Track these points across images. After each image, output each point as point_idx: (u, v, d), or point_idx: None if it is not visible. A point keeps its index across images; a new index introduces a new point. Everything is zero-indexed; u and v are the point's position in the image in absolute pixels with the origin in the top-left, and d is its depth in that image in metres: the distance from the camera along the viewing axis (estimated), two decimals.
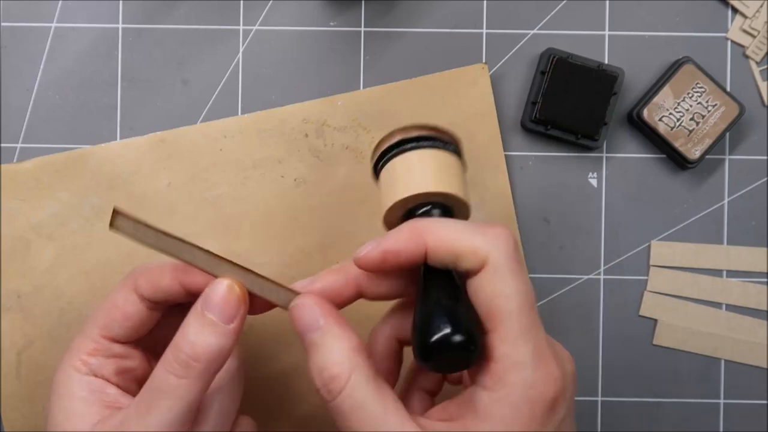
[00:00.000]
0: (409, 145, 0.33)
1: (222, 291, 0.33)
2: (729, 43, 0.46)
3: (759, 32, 0.46)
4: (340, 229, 0.44)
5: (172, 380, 0.31)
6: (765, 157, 0.46)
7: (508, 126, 0.45)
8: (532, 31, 0.46)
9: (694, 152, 0.44)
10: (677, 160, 0.45)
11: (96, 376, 0.34)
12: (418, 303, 0.31)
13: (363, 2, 0.46)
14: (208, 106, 0.45)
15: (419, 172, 0.33)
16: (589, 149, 0.45)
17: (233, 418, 0.36)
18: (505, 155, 0.45)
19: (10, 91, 0.45)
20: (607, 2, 0.46)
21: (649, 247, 0.46)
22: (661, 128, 0.44)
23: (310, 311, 0.32)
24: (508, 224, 0.45)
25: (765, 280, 0.46)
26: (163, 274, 0.35)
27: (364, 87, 0.45)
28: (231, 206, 0.44)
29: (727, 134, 0.45)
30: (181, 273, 0.34)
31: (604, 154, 0.46)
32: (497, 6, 0.46)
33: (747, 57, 0.46)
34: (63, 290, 0.44)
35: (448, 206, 0.33)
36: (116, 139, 0.45)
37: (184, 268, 0.34)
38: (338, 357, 0.30)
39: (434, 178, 0.32)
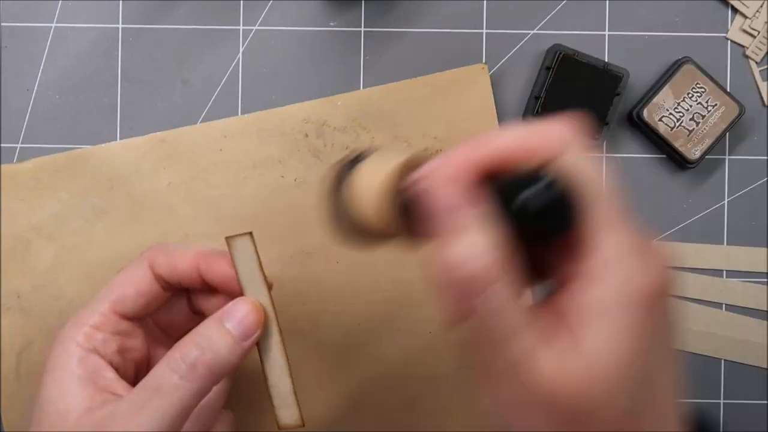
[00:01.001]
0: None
1: (247, 308, 0.33)
2: (729, 43, 0.46)
3: (759, 32, 0.46)
4: None
5: (173, 379, 0.31)
6: (765, 157, 0.46)
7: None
8: (532, 31, 0.46)
9: (694, 152, 0.44)
10: (677, 160, 0.45)
11: (98, 353, 0.34)
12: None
13: (363, 2, 0.46)
14: (208, 106, 0.45)
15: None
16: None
17: (217, 414, 0.36)
18: None
19: (10, 91, 0.45)
20: (607, 2, 0.46)
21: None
22: (661, 128, 0.44)
23: (450, 188, 0.26)
24: None
25: (765, 280, 0.46)
26: (184, 258, 0.35)
27: (364, 87, 0.45)
28: (231, 206, 0.44)
29: (727, 134, 0.45)
30: (203, 262, 0.34)
31: (604, 154, 0.46)
32: (497, 6, 0.46)
33: (747, 57, 0.46)
34: (63, 290, 0.44)
35: None
36: (116, 139, 0.45)
37: (207, 257, 0.34)
38: (484, 252, 0.25)
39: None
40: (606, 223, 0.27)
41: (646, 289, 0.26)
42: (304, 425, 0.34)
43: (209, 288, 0.35)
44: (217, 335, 0.32)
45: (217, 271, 0.34)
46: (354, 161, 0.31)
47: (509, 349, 0.26)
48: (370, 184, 0.30)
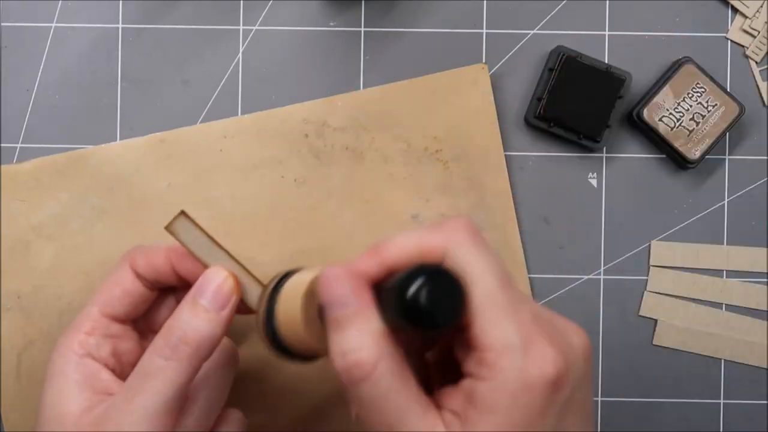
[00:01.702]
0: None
1: (216, 280, 0.34)
2: (729, 43, 0.46)
3: (759, 32, 0.46)
4: (340, 229, 0.44)
5: (159, 362, 0.32)
6: (765, 157, 0.46)
7: (508, 126, 0.45)
8: (532, 31, 0.46)
9: (694, 152, 0.44)
10: (677, 160, 0.45)
11: (93, 357, 0.35)
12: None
13: (363, 2, 0.46)
14: (208, 106, 0.45)
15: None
16: (590, 150, 0.45)
17: (218, 411, 0.36)
18: (505, 155, 0.45)
19: (10, 91, 0.45)
20: (607, 2, 0.46)
21: (649, 247, 0.46)
22: (661, 128, 0.44)
23: (340, 284, 0.29)
24: (508, 224, 0.45)
25: (765, 280, 0.46)
26: (158, 254, 0.36)
27: (364, 87, 0.45)
28: (231, 206, 0.44)
29: (727, 134, 0.45)
30: (174, 256, 0.36)
31: (604, 155, 0.46)
32: (497, 6, 0.46)
33: (747, 57, 0.46)
34: (63, 290, 0.44)
35: None
36: (116, 140, 0.45)
37: (177, 252, 0.36)
38: (367, 341, 0.28)
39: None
40: (493, 318, 0.28)
41: (536, 382, 0.27)
42: None
43: (186, 283, 0.36)
44: (193, 313, 0.33)
45: (188, 266, 0.35)
46: (281, 280, 0.34)
47: (401, 427, 0.28)
48: (290, 299, 0.32)
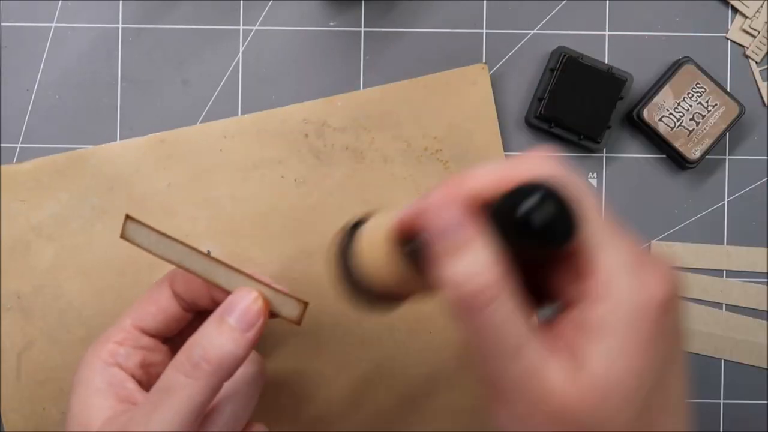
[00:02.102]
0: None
1: (247, 300, 0.33)
2: (729, 43, 0.46)
3: (759, 32, 0.46)
4: None
5: (180, 379, 0.31)
6: (765, 157, 0.46)
7: (508, 126, 0.45)
8: (532, 31, 0.46)
9: (694, 152, 0.44)
10: (677, 161, 0.45)
11: (120, 367, 0.35)
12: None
13: (363, 2, 0.46)
14: (208, 106, 0.45)
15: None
16: (590, 151, 0.45)
17: (243, 424, 0.36)
18: (506, 155, 0.45)
19: (10, 91, 0.45)
20: (607, 2, 0.46)
21: (649, 247, 0.46)
22: (661, 128, 0.44)
23: (449, 210, 0.27)
24: None
25: (765, 280, 0.46)
26: (196, 278, 0.35)
27: (364, 87, 0.45)
28: (231, 206, 0.44)
29: (727, 134, 0.45)
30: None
31: (604, 155, 0.46)
32: (497, 6, 0.46)
33: (747, 57, 0.46)
34: (63, 290, 0.44)
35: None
36: (116, 140, 0.45)
37: None
38: (487, 266, 0.26)
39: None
40: (603, 240, 0.27)
41: (649, 303, 0.26)
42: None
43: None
44: (218, 331, 0.33)
45: (220, 293, 0.35)
46: (354, 227, 0.32)
47: (517, 363, 0.26)
48: (374, 242, 0.30)
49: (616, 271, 0.26)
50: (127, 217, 0.34)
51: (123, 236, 0.35)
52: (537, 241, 0.25)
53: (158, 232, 0.34)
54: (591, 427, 0.26)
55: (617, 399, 0.26)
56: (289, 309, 0.35)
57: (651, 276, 0.27)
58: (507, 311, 0.26)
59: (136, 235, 0.34)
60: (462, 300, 0.26)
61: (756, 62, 0.46)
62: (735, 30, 0.46)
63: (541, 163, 0.28)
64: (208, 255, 0.35)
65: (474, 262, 0.26)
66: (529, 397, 0.26)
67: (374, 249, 0.30)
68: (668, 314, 0.27)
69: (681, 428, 0.27)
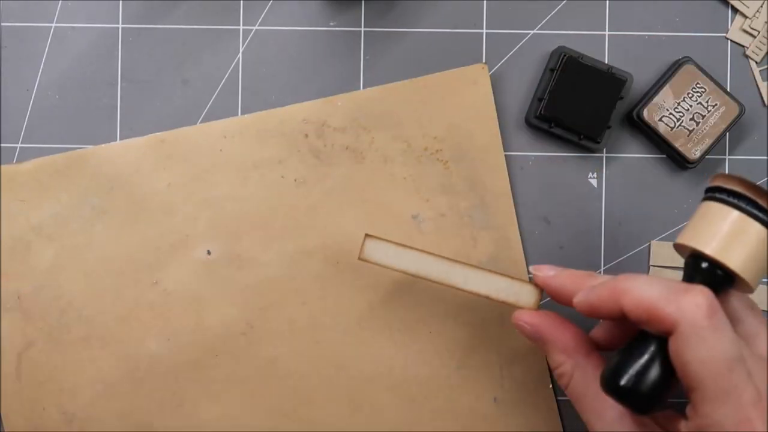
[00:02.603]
0: (761, 213, 0.33)
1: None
2: (729, 43, 0.46)
3: (759, 32, 0.46)
4: (340, 229, 0.44)
5: None
6: (765, 157, 0.46)
7: (508, 126, 0.45)
8: (532, 31, 0.46)
9: (694, 152, 0.44)
10: (677, 161, 0.45)
11: None
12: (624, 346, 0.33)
13: (363, 2, 0.46)
14: (208, 106, 0.45)
15: (745, 245, 0.32)
16: (590, 151, 0.45)
17: None
18: (506, 155, 0.45)
19: (10, 91, 0.45)
20: (607, 2, 0.46)
21: (649, 247, 0.46)
22: (661, 128, 0.44)
23: (534, 331, 0.37)
24: (508, 224, 0.45)
25: (765, 280, 0.46)
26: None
27: (364, 87, 0.45)
28: (231, 206, 0.44)
29: (727, 134, 0.45)
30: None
31: (604, 155, 0.46)
32: (497, 6, 0.46)
33: (747, 57, 0.46)
34: (63, 290, 0.44)
35: (733, 278, 0.33)
36: (116, 140, 0.45)
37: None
38: (560, 358, 0.36)
39: (748, 260, 0.32)
40: (709, 398, 0.30)
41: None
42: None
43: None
44: None
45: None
46: None
47: (592, 426, 0.35)
48: None
49: (712, 424, 0.30)
50: (367, 236, 0.36)
51: (361, 257, 0.36)
52: (623, 404, 0.32)
53: (396, 244, 0.36)
54: None
55: None
56: (526, 297, 0.38)
57: (754, 422, 0.30)
58: (582, 389, 0.35)
59: (374, 253, 0.36)
60: (557, 380, 0.37)
61: (756, 62, 0.46)
62: (735, 30, 0.46)
63: (689, 313, 0.31)
64: (443, 257, 0.37)
65: (555, 356, 0.37)
66: None
67: None
68: None
69: None
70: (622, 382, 0.31)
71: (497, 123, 0.45)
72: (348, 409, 0.44)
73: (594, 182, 0.46)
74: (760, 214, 0.32)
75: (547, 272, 0.37)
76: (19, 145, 0.45)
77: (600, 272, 0.45)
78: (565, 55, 0.44)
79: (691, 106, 0.44)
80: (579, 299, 0.35)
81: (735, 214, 0.32)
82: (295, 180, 0.45)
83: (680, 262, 0.46)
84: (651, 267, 0.46)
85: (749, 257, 0.32)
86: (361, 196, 0.45)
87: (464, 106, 0.45)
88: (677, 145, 0.44)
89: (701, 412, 0.30)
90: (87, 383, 0.44)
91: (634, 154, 0.46)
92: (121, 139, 0.45)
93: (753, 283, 0.33)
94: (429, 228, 0.45)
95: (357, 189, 0.45)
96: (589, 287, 0.35)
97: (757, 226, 0.32)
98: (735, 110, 0.44)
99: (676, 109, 0.44)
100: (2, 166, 0.44)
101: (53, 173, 0.44)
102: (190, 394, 0.44)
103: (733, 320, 0.34)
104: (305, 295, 0.44)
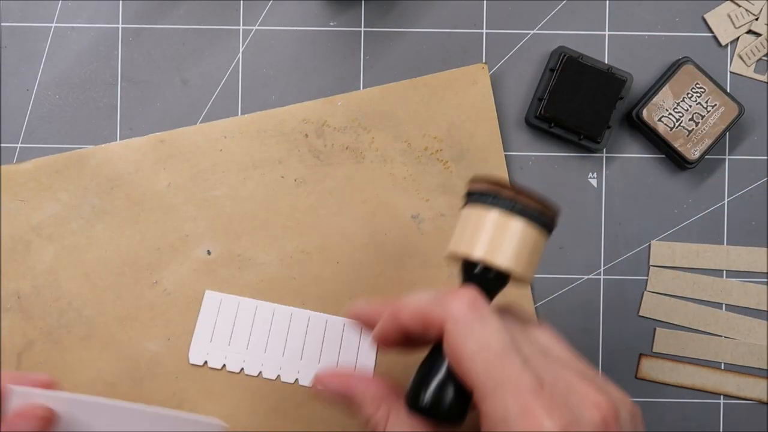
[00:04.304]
0: (516, 207, 0.32)
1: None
2: (729, 43, 0.46)
3: (761, 34, 0.46)
4: (340, 229, 0.44)
5: None
6: (765, 157, 0.46)
7: (508, 126, 0.45)
8: (532, 31, 0.46)
9: (693, 152, 0.44)
10: (677, 161, 0.45)
11: None
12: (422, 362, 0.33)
13: (363, 2, 0.46)
14: (208, 106, 0.45)
15: (509, 241, 0.32)
16: (590, 151, 0.45)
17: None
18: (506, 155, 0.45)
19: (10, 91, 0.45)
20: (607, 2, 0.46)
21: (649, 247, 0.46)
22: (661, 128, 0.44)
23: (334, 386, 0.35)
24: None
25: (765, 280, 0.46)
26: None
27: (364, 87, 0.45)
28: (231, 206, 0.44)
29: (727, 134, 0.45)
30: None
31: (604, 155, 0.46)
32: (497, 6, 0.46)
33: (747, 57, 0.46)
34: (63, 290, 0.44)
35: (506, 276, 0.33)
36: (116, 140, 0.45)
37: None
38: (372, 408, 0.34)
39: (516, 255, 0.32)
40: (488, 393, 0.29)
41: None
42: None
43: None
44: None
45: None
46: None
47: None
48: None
49: (499, 422, 0.29)
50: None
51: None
52: (431, 420, 0.31)
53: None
54: None
55: None
56: None
57: (536, 425, 0.28)
58: None
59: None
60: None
61: (756, 62, 0.46)
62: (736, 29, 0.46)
63: (453, 310, 0.31)
64: None
65: (363, 409, 0.34)
66: None
67: None
68: None
69: None
70: (423, 402, 0.31)
71: (497, 123, 0.45)
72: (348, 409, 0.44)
73: (594, 182, 0.46)
74: (517, 207, 0.32)
75: (358, 307, 0.35)
76: (19, 145, 0.45)
77: (600, 272, 0.45)
78: (565, 55, 0.44)
79: (690, 106, 0.44)
80: (373, 335, 0.34)
81: (493, 213, 0.32)
82: (295, 180, 0.45)
83: (680, 262, 0.46)
84: (651, 267, 0.46)
85: (516, 252, 0.32)
86: (361, 196, 0.45)
87: (464, 106, 0.45)
88: (676, 145, 0.44)
89: (485, 411, 0.29)
90: (87, 383, 0.44)
91: (634, 154, 0.46)
92: (121, 139, 0.45)
93: (527, 275, 0.33)
94: (429, 228, 0.45)
95: (357, 189, 0.45)
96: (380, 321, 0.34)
97: (516, 221, 0.32)
98: (734, 110, 0.44)
99: (676, 110, 0.44)
100: (2, 166, 0.44)
101: (53, 173, 0.44)
102: (190, 394, 0.44)
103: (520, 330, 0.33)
104: (305, 296, 0.44)
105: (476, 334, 0.30)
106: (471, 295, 0.31)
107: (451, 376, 0.31)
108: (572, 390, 0.29)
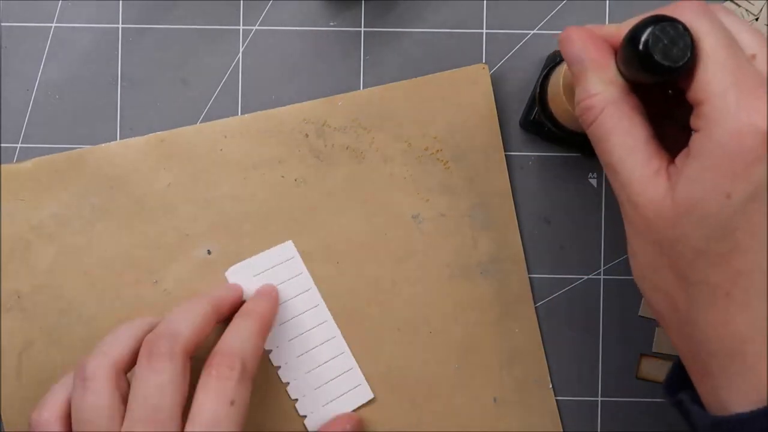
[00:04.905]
0: None
1: None
2: None
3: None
4: (340, 229, 0.44)
5: None
6: None
7: (508, 126, 0.45)
8: (532, 31, 0.46)
9: None
10: None
11: None
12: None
13: (363, 2, 0.46)
14: (208, 106, 0.45)
15: None
16: (589, 153, 0.45)
17: None
18: (506, 155, 0.45)
19: (10, 91, 0.45)
20: (607, 2, 0.46)
21: None
22: None
23: (575, 42, 0.32)
24: (508, 224, 0.45)
25: None
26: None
27: (364, 87, 0.45)
28: (231, 206, 0.44)
29: None
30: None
31: None
32: (497, 6, 0.46)
33: None
34: (63, 290, 0.44)
35: None
36: (116, 139, 0.45)
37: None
38: (594, 88, 0.31)
39: None
40: (714, 71, 0.29)
41: (748, 130, 0.28)
42: None
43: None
44: None
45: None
46: (553, 64, 0.42)
47: (619, 173, 0.31)
48: (555, 79, 0.41)
49: (718, 99, 0.28)
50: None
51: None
52: (648, 69, 0.29)
53: None
54: (673, 239, 0.29)
55: (696, 218, 0.28)
56: None
57: (755, 105, 0.28)
58: (612, 125, 0.31)
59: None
60: (579, 116, 0.32)
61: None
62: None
63: (681, 6, 0.30)
64: None
65: (588, 85, 0.31)
66: (628, 207, 0.31)
67: (554, 86, 0.40)
68: (766, 147, 0.28)
69: (763, 267, 0.28)
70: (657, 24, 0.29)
71: (497, 123, 0.45)
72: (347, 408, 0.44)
73: (594, 182, 0.46)
74: None
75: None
76: (19, 145, 0.45)
77: (600, 272, 0.45)
78: (560, 59, 0.44)
79: None
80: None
81: None
82: (295, 180, 0.45)
83: None
84: None
85: None
86: (361, 196, 0.45)
87: (464, 106, 0.45)
88: None
89: (707, 93, 0.28)
90: None
91: None
92: (121, 139, 0.45)
93: None
94: (429, 228, 0.45)
95: (357, 189, 0.45)
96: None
97: None
98: None
99: None
100: (2, 166, 0.44)
101: (53, 173, 0.44)
102: (190, 393, 0.44)
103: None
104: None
105: (707, 23, 0.30)
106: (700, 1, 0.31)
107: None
108: None
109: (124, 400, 0.35)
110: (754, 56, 0.30)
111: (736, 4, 0.46)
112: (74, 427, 0.36)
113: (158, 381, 0.35)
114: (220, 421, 0.35)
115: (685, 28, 0.29)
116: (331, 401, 0.44)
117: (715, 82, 0.29)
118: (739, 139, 0.28)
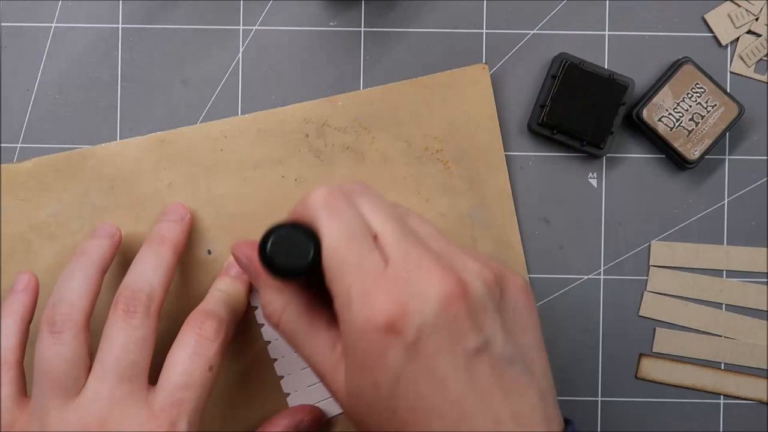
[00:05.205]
0: None
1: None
2: (729, 43, 0.46)
3: (760, 34, 0.46)
4: None
5: None
6: (765, 157, 0.46)
7: (508, 126, 0.45)
8: (532, 32, 0.46)
9: (693, 153, 0.44)
10: (677, 161, 0.45)
11: None
12: None
13: (363, 2, 0.46)
14: (208, 106, 0.45)
15: None
16: (593, 156, 0.45)
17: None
18: (506, 155, 0.45)
19: (10, 91, 0.45)
20: (607, 2, 0.46)
21: (649, 247, 0.46)
22: (661, 128, 0.44)
23: (243, 263, 0.37)
24: (508, 224, 0.45)
25: (765, 280, 0.46)
26: None
27: (364, 87, 0.45)
28: (231, 206, 0.44)
29: (727, 134, 0.45)
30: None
31: (605, 155, 0.46)
32: (497, 6, 0.46)
33: (747, 57, 0.46)
34: None
35: None
36: (116, 139, 0.45)
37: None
38: (267, 299, 0.35)
39: None
40: (333, 272, 0.31)
41: (367, 325, 0.30)
42: None
43: None
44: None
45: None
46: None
47: (310, 364, 0.34)
48: None
49: (345, 295, 0.30)
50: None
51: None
52: (279, 270, 0.32)
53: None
54: (360, 420, 0.32)
55: (364, 407, 0.31)
56: None
57: (373, 302, 0.30)
58: (294, 327, 0.34)
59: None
60: (266, 321, 0.35)
61: (756, 63, 0.46)
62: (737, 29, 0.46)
63: (310, 203, 0.33)
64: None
65: (263, 295, 0.35)
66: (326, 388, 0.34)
67: None
68: (396, 335, 0.29)
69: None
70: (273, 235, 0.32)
71: (498, 123, 0.45)
72: None
73: (594, 182, 0.46)
74: None
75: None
76: (19, 145, 0.45)
77: (600, 272, 0.45)
78: (566, 62, 0.44)
79: (690, 106, 0.44)
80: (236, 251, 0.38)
81: None
82: (296, 180, 0.45)
83: (680, 262, 0.46)
84: (651, 267, 0.46)
85: None
86: None
87: (465, 106, 0.45)
88: (676, 145, 0.44)
89: (333, 292, 0.31)
90: None
91: (634, 155, 0.46)
92: (121, 138, 0.45)
93: None
94: None
95: None
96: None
97: None
98: (734, 110, 0.44)
99: (676, 110, 0.44)
100: (2, 165, 0.44)
101: (53, 172, 0.44)
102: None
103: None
104: None
105: (326, 221, 0.31)
106: (328, 190, 0.32)
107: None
108: (420, 267, 0.30)
109: (89, 352, 0.37)
110: (376, 237, 0.32)
111: (736, 4, 0.46)
112: (36, 376, 0.36)
113: (136, 336, 0.36)
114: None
115: (307, 230, 0.32)
116: (316, 383, 0.44)
117: (335, 280, 0.31)
118: (365, 337, 0.30)
